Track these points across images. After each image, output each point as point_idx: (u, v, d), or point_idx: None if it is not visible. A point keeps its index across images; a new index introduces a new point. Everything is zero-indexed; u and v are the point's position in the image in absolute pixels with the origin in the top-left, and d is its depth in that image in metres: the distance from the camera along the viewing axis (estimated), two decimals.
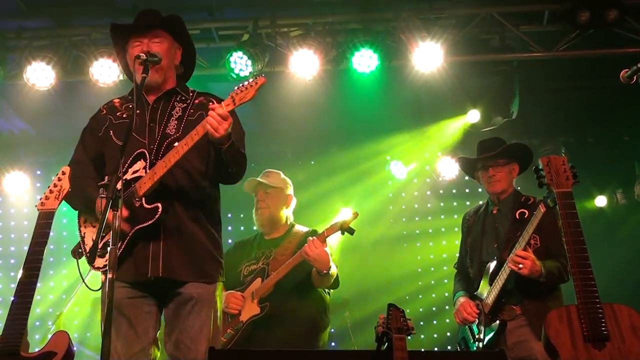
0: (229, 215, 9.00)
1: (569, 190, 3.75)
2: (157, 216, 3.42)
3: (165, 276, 3.46)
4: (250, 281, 5.07)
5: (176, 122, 3.67)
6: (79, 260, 3.51)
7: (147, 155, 3.55)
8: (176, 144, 3.52)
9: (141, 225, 3.44)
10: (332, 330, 6.86)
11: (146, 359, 3.51)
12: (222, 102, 3.40)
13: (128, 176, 3.55)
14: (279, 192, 5.26)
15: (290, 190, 5.36)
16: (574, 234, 3.61)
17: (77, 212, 3.79)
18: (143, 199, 3.46)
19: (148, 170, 3.50)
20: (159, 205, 3.44)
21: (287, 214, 5.32)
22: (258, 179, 5.30)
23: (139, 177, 3.50)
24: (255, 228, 5.47)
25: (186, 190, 3.60)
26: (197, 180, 3.64)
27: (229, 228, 8.90)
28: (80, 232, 3.71)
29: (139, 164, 3.55)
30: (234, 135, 3.52)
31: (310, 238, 4.86)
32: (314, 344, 4.96)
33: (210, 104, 3.63)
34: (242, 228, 8.93)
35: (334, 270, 4.92)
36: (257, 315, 4.91)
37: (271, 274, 4.97)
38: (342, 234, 4.94)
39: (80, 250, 3.66)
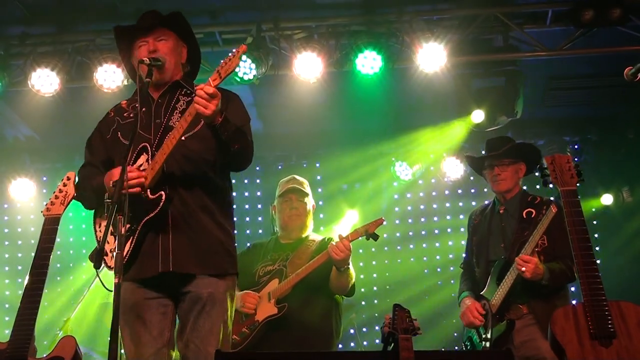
0: (247, 219, 9.05)
1: (573, 188, 3.75)
2: (161, 204, 3.38)
3: (175, 271, 3.42)
4: (266, 281, 5.02)
5: (179, 115, 3.61)
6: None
7: (149, 149, 3.51)
8: None
9: (148, 217, 3.40)
10: None
11: None
12: (209, 78, 3.32)
13: None
14: (309, 200, 5.30)
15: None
16: (579, 232, 3.61)
17: (91, 217, 3.74)
18: (148, 190, 3.42)
19: (150, 162, 3.47)
20: (162, 193, 3.39)
21: (311, 221, 5.35)
22: (297, 185, 5.29)
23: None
24: (276, 229, 5.48)
25: (193, 181, 3.55)
26: (204, 170, 3.59)
27: (248, 231, 8.94)
28: (96, 236, 3.66)
29: (142, 158, 3.51)
30: (239, 119, 3.53)
31: (337, 240, 4.81)
32: (329, 347, 4.94)
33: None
34: (248, 232, 8.96)
35: (352, 270, 4.92)
36: (275, 315, 4.84)
37: (289, 275, 4.97)
38: (367, 239, 4.88)
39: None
